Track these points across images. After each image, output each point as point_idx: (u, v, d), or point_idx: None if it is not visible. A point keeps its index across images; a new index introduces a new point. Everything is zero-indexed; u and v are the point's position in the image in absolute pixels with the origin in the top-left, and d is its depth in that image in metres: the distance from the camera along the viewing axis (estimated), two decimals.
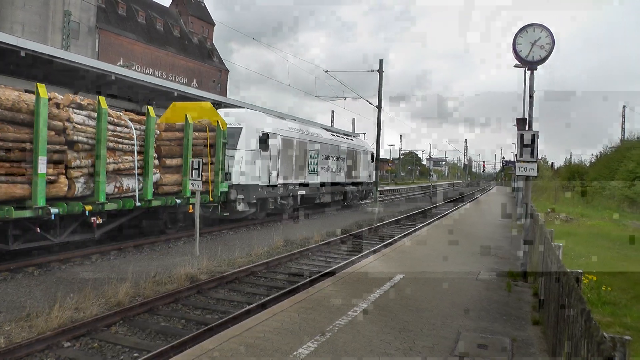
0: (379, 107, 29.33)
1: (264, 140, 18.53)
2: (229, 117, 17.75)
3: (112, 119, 11.72)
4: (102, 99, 11.26)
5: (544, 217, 22.51)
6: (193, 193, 13.79)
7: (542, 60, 9.73)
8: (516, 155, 9.95)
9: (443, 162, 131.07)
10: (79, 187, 10.79)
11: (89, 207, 11.07)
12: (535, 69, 10.03)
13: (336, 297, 7.99)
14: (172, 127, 14.13)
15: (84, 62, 15.63)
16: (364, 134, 49.26)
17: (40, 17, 43.65)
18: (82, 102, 11.07)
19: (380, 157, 30.91)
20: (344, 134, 30.64)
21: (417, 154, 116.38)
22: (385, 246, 14.71)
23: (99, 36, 50.52)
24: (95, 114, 11.22)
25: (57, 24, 44.24)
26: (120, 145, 12.01)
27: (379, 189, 31.02)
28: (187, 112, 14.71)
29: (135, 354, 6.57)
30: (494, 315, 7.44)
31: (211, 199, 15.32)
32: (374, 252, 13.85)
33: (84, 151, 11.04)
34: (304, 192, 22.10)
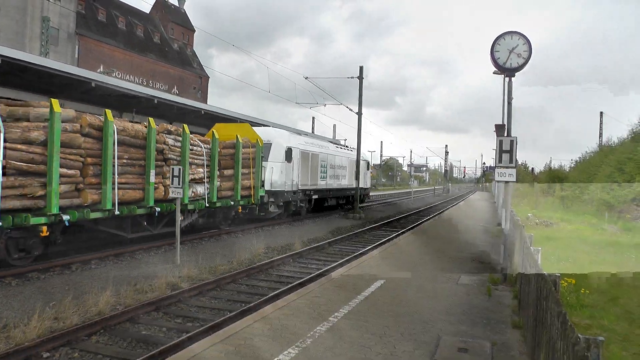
0: (359, 113, 29.48)
1: (288, 154, 22.35)
2: (260, 134, 20.38)
3: (194, 140, 15.43)
4: (185, 126, 14.99)
5: (524, 222, 22.81)
6: (243, 197, 18.15)
7: (520, 67, 9.91)
8: (495, 160, 10.09)
9: (424, 168, 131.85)
10: (172, 192, 13.22)
11: (169, 209, 14.31)
12: (514, 76, 10.21)
13: (318, 303, 8.00)
14: (227, 145, 17.45)
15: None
16: (345, 140, 49.57)
17: (17, 23, 43.12)
18: (171, 129, 14.63)
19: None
20: (345, 146, 35.32)
21: (397, 160, 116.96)
22: (362, 254, 14.75)
23: (79, 42, 50.05)
24: (180, 138, 14.72)
25: (35, 30, 43.75)
26: (195, 161, 15.50)
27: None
28: (228, 131, 18.35)
29: None
30: (474, 320, 7.51)
31: (253, 202, 18.98)
32: (353, 258, 13.89)
33: (176, 164, 14.26)
34: (317, 196, 25.97)
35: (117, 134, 12.41)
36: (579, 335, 3.26)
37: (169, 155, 14.25)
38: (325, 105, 32.80)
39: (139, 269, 11.81)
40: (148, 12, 70.37)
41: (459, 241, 17.12)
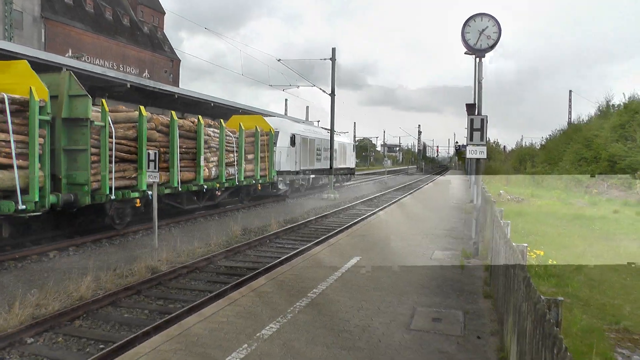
0: (332, 94, 29.58)
1: (292, 140, 26.65)
2: (270, 123, 24.14)
3: (228, 131, 19.51)
4: (222, 121, 19.50)
5: (496, 199, 23.38)
6: (261, 176, 22.44)
7: (490, 48, 10.16)
8: (467, 138, 10.37)
9: (397, 148, 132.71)
10: (213, 173, 18.24)
11: (217, 184, 18.72)
12: (484, 57, 10.46)
13: (296, 281, 8.23)
14: (248, 134, 21.51)
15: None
16: (318, 121, 49.85)
17: None
18: (211, 123, 19.25)
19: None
20: (338, 133, 38.47)
21: (371, 140, 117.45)
22: (337, 233, 15.02)
23: (45, 26, 48.77)
24: (217, 130, 18.80)
25: None
26: (228, 147, 19.55)
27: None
28: (242, 122, 21.51)
29: (101, 346, 6.64)
30: (447, 292, 7.84)
31: (268, 181, 23.38)
32: (329, 237, 14.15)
33: (214, 152, 18.41)
34: (313, 176, 30.47)
35: (178, 130, 15.93)
36: (541, 296, 3.54)
37: (211, 144, 18.23)
38: (298, 87, 32.92)
39: (117, 254, 11.88)
40: None
41: (433, 218, 17.52)
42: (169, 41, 74.80)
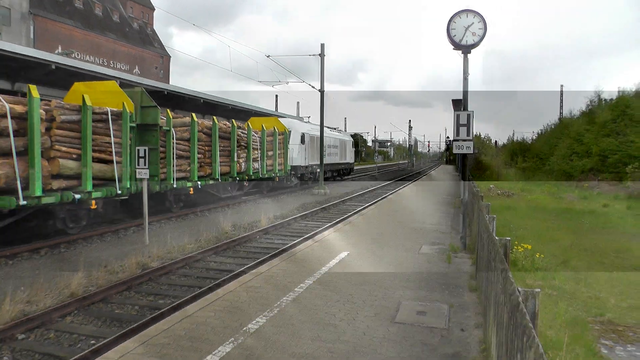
0: (322, 90, 29.65)
1: (302, 138, 30.46)
2: (283, 124, 27.85)
3: (252, 132, 22.76)
4: (249, 123, 23.20)
5: (486, 193, 23.55)
6: (279, 170, 26.33)
7: (475, 44, 10.25)
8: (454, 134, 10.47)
9: (388, 143, 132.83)
10: (242, 167, 21.99)
11: (246, 177, 22.50)
12: (469, 53, 10.55)
13: (283, 276, 8.32)
14: (268, 133, 24.99)
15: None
16: (309, 117, 50.34)
17: None
18: (241, 125, 22.34)
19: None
20: (338, 130, 45.70)
21: (362, 136, 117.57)
22: (326, 229, 15.12)
23: (34, 22, 48.47)
24: (246, 131, 22.31)
25: None
26: (254, 145, 22.91)
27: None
28: (262, 122, 25.31)
29: (92, 341, 6.70)
30: (433, 285, 7.95)
31: (284, 174, 27.14)
32: (318, 232, 14.24)
33: (243, 149, 22.05)
34: (319, 170, 32.15)
35: (218, 131, 19.47)
36: (518, 287, 3.63)
37: (241, 143, 21.92)
38: (287, 83, 33.02)
39: (108, 251, 11.92)
40: None
41: (422, 213, 17.64)
42: (158, 37, 74.52)
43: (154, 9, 73.92)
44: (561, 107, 56.97)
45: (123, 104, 14.03)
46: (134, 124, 14.49)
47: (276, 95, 55.22)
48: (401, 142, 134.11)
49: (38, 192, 11.16)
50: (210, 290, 8.36)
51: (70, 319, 7.60)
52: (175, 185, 16.55)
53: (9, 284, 8.95)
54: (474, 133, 10.30)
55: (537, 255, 10.17)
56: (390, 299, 7.12)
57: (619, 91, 36.51)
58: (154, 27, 74.71)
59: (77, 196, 12.28)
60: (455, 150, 10.27)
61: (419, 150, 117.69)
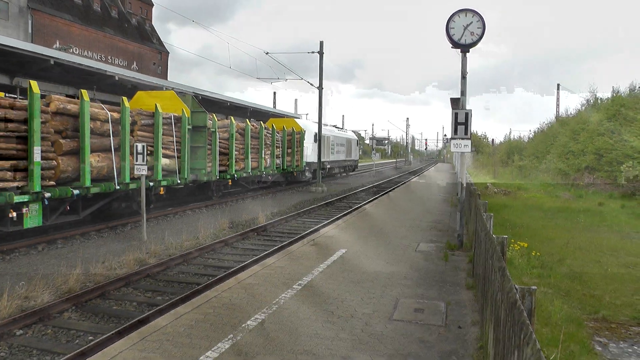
0: (320, 87, 29.66)
1: (315, 138, 32.66)
2: (299, 124, 31.62)
3: (275, 132, 26.05)
4: (274, 125, 26.35)
5: (482, 191, 23.62)
6: (296, 166, 29.91)
7: (474, 43, 10.29)
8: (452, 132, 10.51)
9: (386, 141, 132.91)
10: (268, 162, 25.00)
11: (271, 171, 25.54)
12: (468, 52, 10.59)
13: (283, 272, 8.35)
14: (289, 132, 28.58)
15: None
16: (307, 114, 51.17)
17: None
18: (267, 126, 25.33)
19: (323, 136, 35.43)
20: (344, 130, 49.55)
21: (359, 133, 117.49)
22: (324, 226, 15.16)
23: (32, 17, 48.25)
24: (270, 130, 25.48)
25: None
26: (277, 144, 26.43)
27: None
28: (277, 123, 27.88)
29: (90, 337, 6.73)
30: (430, 283, 8.00)
31: (300, 169, 30.54)
32: (317, 230, 14.28)
33: (268, 147, 25.03)
34: (329, 166, 37.44)
35: (250, 132, 22.50)
36: (515, 285, 3.68)
37: (267, 142, 24.87)
38: (286, 80, 33.11)
39: (105, 247, 11.93)
40: None
41: (419, 211, 17.70)
42: (157, 33, 74.28)
43: (153, 5, 73.64)
44: (558, 105, 57.08)
45: (182, 110, 17.23)
46: (190, 127, 17.55)
47: (274, 92, 55.25)
48: (399, 140, 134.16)
49: (127, 180, 14.17)
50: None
51: (68, 314, 7.62)
52: (218, 177, 19.79)
53: (7, 279, 8.96)
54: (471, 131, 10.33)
55: (533, 253, 10.24)
56: (388, 297, 7.16)
57: (613, 91, 36.60)
58: (153, 23, 74.46)
59: (151, 184, 15.46)
60: (453, 149, 10.31)
61: (416, 148, 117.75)
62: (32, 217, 11.18)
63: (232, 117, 21.25)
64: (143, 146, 12.64)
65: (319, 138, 30.92)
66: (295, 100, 58.91)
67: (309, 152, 32.61)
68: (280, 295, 7.09)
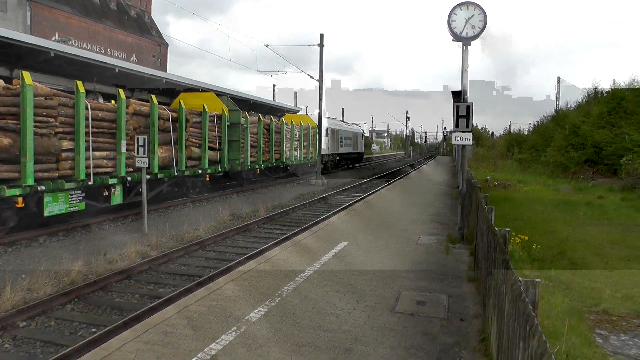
0: (320, 80, 29.60)
1: (327, 131, 36.05)
2: (313, 119, 34.07)
3: (294, 127, 29.17)
4: (292, 120, 29.98)
5: (482, 184, 23.63)
6: (311, 158, 32.77)
7: (476, 36, 10.26)
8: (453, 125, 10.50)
9: (385, 134, 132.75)
10: (287, 154, 27.77)
11: (289, 162, 28.40)
12: (469, 44, 10.56)
13: (285, 265, 8.37)
14: (305, 127, 31.64)
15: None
16: (306, 107, 51.51)
17: None
18: (287, 122, 28.03)
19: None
20: (351, 124, 52.57)
21: (359, 126, 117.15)
22: (326, 218, 15.19)
23: (31, 9, 48.04)
24: (289, 125, 28.28)
25: None
26: (295, 137, 29.41)
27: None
28: (300, 119, 32.08)
29: (93, 329, 6.76)
30: (432, 276, 8.02)
31: (315, 160, 31.57)
32: (319, 222, 14.30)
33: (288, 140, 27.83)
34: (338, 158, 40.94)
35: (274, 127, 25.51)
36: (519, 278, 3.70)
37: (287, 136, 27.72)
38: (286, 72, 33.18)
39: (107, 240, 11.95)
40: None
41: (420, 204, 17.72)
42: (156, 25, 73.99)
43: None
44: (557, 99, 57.02)
45: (222, 109, 20.25)
46: (228, 123, 20.58)
47: (274, 85, 54.98)
48: (398, 133, 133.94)
49: (183, 168, 17.09)
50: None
51: (71, 307, 7.65)
52: (249, 167, 22.69)
53: (10, 271, 9.00)
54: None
55: (534, 247, 10.26)
56: (390, 289, 7.19)
57: (613, 84, 36.55)
58: (152, 15, 74.14)
59: (200, 171, 18.34)
60: (454, 142, 10.32)
61: (415, 141, 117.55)
62: (116, 196, 14.12)
63: (260, 115, 24.35)
64: (144, 138, 12.63)
65: (319, 132, 30.92)
66: (295, 92, 58.74)
67: (322, 145, 34.66)
68: (283, 287, 7.11)
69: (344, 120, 55.92)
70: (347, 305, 6.45)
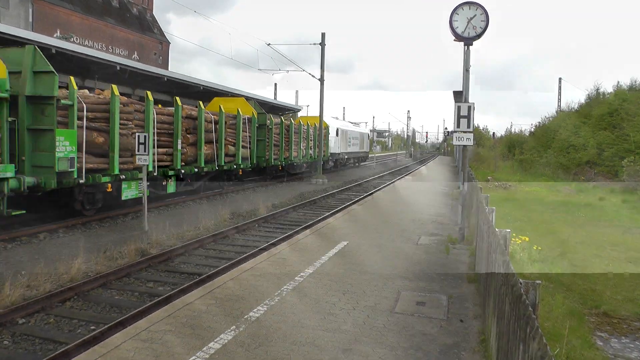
0: (322, 79, 29.60)
1: (337, 132, 39.25)
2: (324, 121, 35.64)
3: (310, 128, 31.68)
4: (308, 122, 32.66)
5: (483, 185, 23.59)
6: (323, 156, 34.49)
7: (478, 36, 10.23)
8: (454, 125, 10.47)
9: (387, 133, 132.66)
10: (304, 153, 30.75)
11: (305, 160, 31.07)
12: (471, 44, 10.53)
13: (285, 264, 8.36)
14: (317, 129, 32.93)
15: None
16: (308, 106, 52.11)
17: None
18: (303, 123, 30.71)
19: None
20: (358, 124, 58.46)
21: (365, 124, 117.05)
22: (325, 218, 15.17)
23: (33, 6, 48.01)
24: (306, 126, 30.93)
25: None
26: (310, 137, 32.03)
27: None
28: (315, 121, 33.20)
29: (92, 327, 6.74)
30: (432, 276, 8.00)
31: (326, 158, 35.63)
32: (318, 222, 14.29)
33: (304, 139, 30.47)
34: (346, 157, 43.80)
35: (294, 128, 28.26)
36: (519, 279, 3.68)
37: (303, 136, 30.33)
38: (287, 71, 33.05)
39: (107, 237, 11.93)
40: None
41: (420, 204, 17.69)
42: (158, 23, 73.95)
43: None
44: (559, 99, 56.91)
45: (252, 112, 23.19)
46: (257, 125, 23.38)
47: (275, 84, 54.99)
48: (399, 132, 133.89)
49: (222, 163, 19.75)
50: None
51: (70, 304, 7.63)
52: (273, 163, 25.26)
53: (9, 268, 8.98)
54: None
55: (535, 248, 10.24)
56: (390, 289, 7.17)
57: (616, 85, 36.47)
58: (154, 13, 74.09)
59: (234, 166, 21.08)
60: (455, 142, 10.29)
61: (416, 140, 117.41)
62: (171, 186, 16.94)
63: (282, 117, 27.04)
64: (145, 136, 12.61)
65: (320, 131, 31.32)
66: (297, 91, 58.83)
67: (332, 144, 38.29)
68: (282, 287, 7.10)
69: (352, 121, 60.35)
70: (347, 305, 6.43)
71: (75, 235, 12.00)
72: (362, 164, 52.27)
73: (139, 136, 12.66)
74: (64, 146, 11.67)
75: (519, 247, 10.12)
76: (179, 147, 16.47)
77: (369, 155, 57.39)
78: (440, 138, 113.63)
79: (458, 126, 10.06)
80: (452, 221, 13.63)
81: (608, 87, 39.71)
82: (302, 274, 7.84)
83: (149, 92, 15.01)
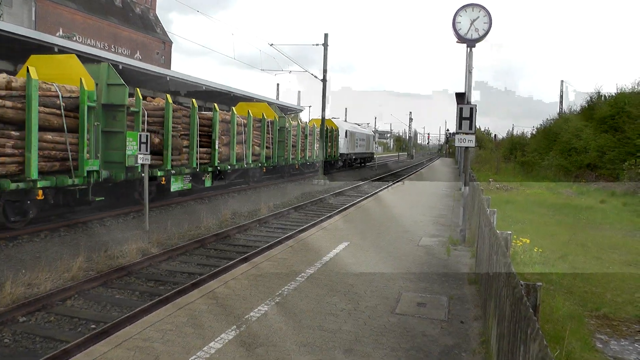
0: (324, 80, 29.61)
1: (346, 134, 41.58)
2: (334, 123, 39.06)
3: (314, 129, 33.11)
4: (317, 124, 33.90)
5: (485, 187, 23.59)
6: (333, 156, 38.29)
7: (480, 38, 10.24)
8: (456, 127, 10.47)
9: (388, 135, 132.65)
10: (317, 153, 32.92)
11: (318, 160, 32.46)
12: (474, 46, 10.54)
13: (285, 264, 8.37)
14: (329, 131, 35.43)
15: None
16: (310, 107, 53.01)
17: None
18: (317, 125, 33.52)
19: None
20: (364, 126, 60.25)
21: (369, 125, 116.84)
22: (326, 219, 15.18)
23: (36, 4, 48.08)
24: (319, 129, 32.62)
25: None
26: (314, 139, 32.91)
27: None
28: (328, 124, 35.04)
29: (93, 325, 6.75)
30: (433, 277, 8.01)
31: (335, 159, 38.22)
32: (320, 222, 14.29)
33: (317, 141, 33.03)
34: (354, 157, 46.25)
35: (309, 129, 31.34)
36: (521, 281, 3.69)
37: (316, 137, 32.62)
38: (290, 72, 33.14)
39: (108, 236, 11.94)
40: None
41: (422, 205, 17.69)
42: (161, 23, 74.01)
43: None
44: (561, 102, 56.86)
45: (275, 116, 25.80)
46: (278, 127, 25.99)
47: (277, 84, 54.98)
48: (401, 134, 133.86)
49: (250, 161, 22.38)
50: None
51: (71, 302, 7.63)
52: (291, 162, 27.86)
53: (10, 266, 8.99)
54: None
55: (536, 250, 10.23)
56: (391, 290, 7.18)
57: (618, 89, 36.45)
58: (157, 13, 74.15)
59: (260, 165, 23.61)
60: (457, 144, 10.30)
61: (418, 142, 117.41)
62: (208, 180, 19.59)
63: (298, 120, 31.36)
64: (147, 136, 12.64)
65: (321, 132, 31.49)
66: (299, 92, 58.78)
67: (342, 145, 40.67)
68: (284, 287, 7.11)
69: (357, 123, 62.48)
70: (348, 305, 6.44)
71: (76, 234, 11.99)
72: (367, 164, 53.19)
73: (140, 136, 12.69)
74: (132, 145, 13.78)
75: (520, 249, 10.11)
76: (217, 147, 19.13)
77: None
78: (442, 140, 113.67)
79: (460, 128, 10.06)
80: (453, 222, 13.64)
81: (610, 90, 39.70)
82: (302, 274, 7.85)
83: (194, 100, 17.93)
